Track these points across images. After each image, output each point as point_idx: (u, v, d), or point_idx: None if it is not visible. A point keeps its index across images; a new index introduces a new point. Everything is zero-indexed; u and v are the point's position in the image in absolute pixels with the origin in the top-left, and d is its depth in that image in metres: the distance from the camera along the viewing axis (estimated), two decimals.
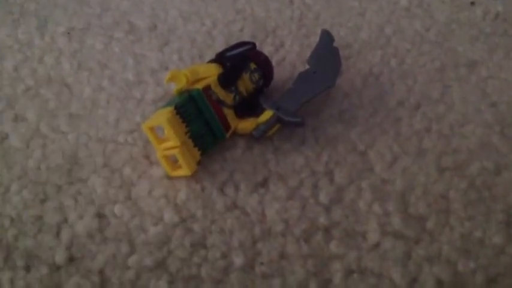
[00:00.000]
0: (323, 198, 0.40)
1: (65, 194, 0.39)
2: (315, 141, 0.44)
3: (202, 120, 0.41)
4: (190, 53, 0.52)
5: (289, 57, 0.52)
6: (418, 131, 0.45)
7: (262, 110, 0.43)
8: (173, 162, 0.40)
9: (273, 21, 0.57)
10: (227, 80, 0.43)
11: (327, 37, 0.48)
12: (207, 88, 0.41)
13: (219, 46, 0.52)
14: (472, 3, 0.59)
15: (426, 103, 0.47)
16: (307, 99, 0.43)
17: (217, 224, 0.38)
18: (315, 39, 0.50)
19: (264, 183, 0.41)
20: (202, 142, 0.40)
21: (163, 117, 0.38)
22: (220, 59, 0.45)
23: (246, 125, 0.43)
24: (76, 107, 0.46)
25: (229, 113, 0.42)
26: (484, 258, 0.36)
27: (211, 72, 0.43)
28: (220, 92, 0.42)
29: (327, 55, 0.47)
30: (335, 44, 0.47)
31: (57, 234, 0.37)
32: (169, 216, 0.38)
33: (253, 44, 0.47)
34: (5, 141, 0.43)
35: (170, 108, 0.39)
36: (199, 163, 0.40)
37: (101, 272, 0.35)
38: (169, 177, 0.41)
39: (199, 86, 0.41)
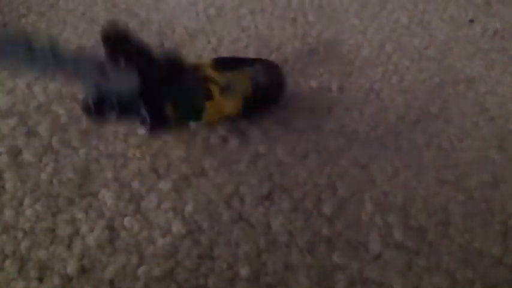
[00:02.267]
0: (326, 210, 0.41)
1: (77, 207, 0.41)
2: (318, 155, 0.45)
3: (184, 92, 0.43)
4: None
5: (292, 73, 0.54)
6: (418, 145, 0.46)
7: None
8: None
9: (276, 38, 0.59)
10: (221, 61, 0.45)
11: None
12: (199, 66, 0.44)
13: None
14: (471, 21, 0.61)
15: (426, 118, 0.48)
16: None
17: (223, 236, 0.39)
18: (318, 57, 0.52)
19: (269, 196, 0.42)
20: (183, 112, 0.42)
21: None
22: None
23: (234, 104, 0.45)
24: (87, 123, 0.47)
25: (215, 89, 0.44)
26: (482, 268, 0.37)
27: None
28: (209, 71, 0.44)
29: None
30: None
31: (69, 246, 0.38)
32: (177, 228, 0.40)
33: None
34: (19, 156, 0.44)
35: None
36: None
37: (111, 282, 0.36)
38: (177, 190, 0.42)
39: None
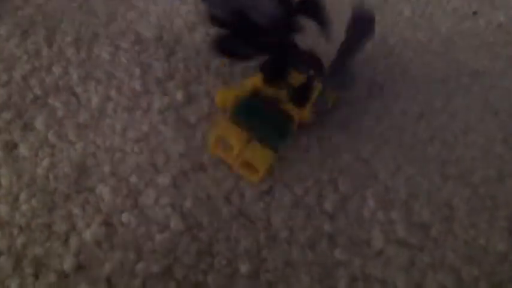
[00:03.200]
0: (328, 206, 0.40)
1: (73, 202, 0.40)
2: (320, 150, 0.44)
3: (262, 122, 0.41)
4: (195, 62, 0.53)
5: None
6: (421, 139, 0.45)
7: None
8: (248, 167, 0.41)
9: None
10: (271, 71, 0.43)
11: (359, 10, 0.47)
12: (256, 90, 0.43)
13: None
14: (475, 13, 0.60)
15: (429, 112, 0.48)
16: (352, 60, 0.43)
17: (223, 232, 0.39)
18: (322, 48, 0.50)
19: (269, 191, 0.41)
20: (270, 141, 0.41)
21: (218, 128, 0.40)
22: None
23: (303, 113, 0.43)
24: (84, 117, 0.46)
25: (288, 107, 0.43)
26: (487, 265, 0.37)
27: (256, 81, 0.44)
28: (269, 92, 0.43)
29: (361, 25, 0.45)
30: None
31: (66, 242, 0.38)
32: (175, 224, 0.39)
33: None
34: (14, 151, 0.43)
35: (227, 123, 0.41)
36: (275, 161, 0.41)
37: (108, 279, 0.36)
38: (176, 186, 0.41)
39: (247, 90, 0.43)
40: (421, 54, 0.54)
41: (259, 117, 0.42)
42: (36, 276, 0.36)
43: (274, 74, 0.43)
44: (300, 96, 0.44)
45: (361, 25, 0.45)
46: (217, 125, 0.41)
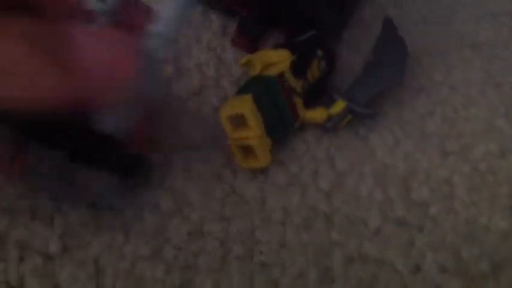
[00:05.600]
0: (323, 184, 0.39)
1: None
2: (315, 127, 0.42)
3: (275, 109, 0.39)
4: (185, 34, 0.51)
5: None
6: (420, 114, 0.44)
7: (332, 101, 0.42)
8: (246, 152, 0.39)
9: None
10: (300, 68, 0.42)
11: (389, 25, 0.46)
12: (281, 75, 0.40)
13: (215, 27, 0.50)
14: None
15: (429, 85, 0.46)
16: (376, 93, 0.42)
17: (215, 212, 0.37)
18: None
19: (264, 170, 0.39)
20: (273, 132, 0.39)
21: (245, 106, 0.37)
22: (290, 44, 0.43)
23: (315, 114, 0.42)
24: None
25: (298, 102, 0.41)
26: (489, 244, 0.36)
27: (282, 58, 0.42)
28: (291, 79, 0.41)
29: (392, 45, 0.45)
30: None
31: (51, 224, 0.36)
32: (165, 204, 0.37)
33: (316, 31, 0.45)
34: None
35: (248, 97, 0.37)
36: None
37: (96, 262, 0.34)
38: (167, 164, 0.40)
39: (273, 72, 0.40)
40: (421, 25, 0.52)
41: (276, 104, 0.39)
42: (21, 259, 0.34)
43: (301, 71, 0.42)
44: (311, 95, 0.43)
45: (391, 43, 0.45)
46: (241, 102, 0.38)
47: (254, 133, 0.37)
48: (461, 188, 0.38)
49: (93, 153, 0.34)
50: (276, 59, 0.42)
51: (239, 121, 0.38)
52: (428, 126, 0.43)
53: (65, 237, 0.35)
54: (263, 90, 0.39)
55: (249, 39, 0.47)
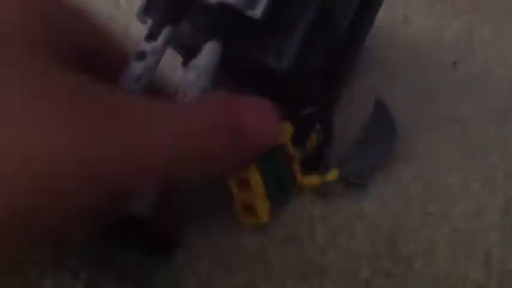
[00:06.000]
0: (319, 240, 0.43)
1: None
2: (312, 191, 0.47)
3: (276, 176, 0.43)
4: None
5: None
6: (405, 180, 0.48)
7: (327, 170, 0.47)
8: (249, 211, 0.42)
9: None
10: (300, 139, 0.46)
11: (381, 106, 0.52)
12: (284, 145, 0.44)
13: None
14: (454, 63, 0.64)
15: (413, 155, 0.51)
16: (367, 166, 0.48)
17: (222, 265, 0.41)
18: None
19: (265, 227, 0.44)
20: (273, 197, 0.42)
21: (251, 173, 0.41)
22: (291, 118, 0.46)
23: (312, 181, 0.46)
24: None
25: (297, 169, 0.45)
26: None
27: (283, 130, 0.45)
28: (291, 149, 0.45)
29: (383, 123, 0.51)
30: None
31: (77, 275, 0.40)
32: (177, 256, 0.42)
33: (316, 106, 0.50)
34: None
35: (253, 165, 0.41)
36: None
37: None
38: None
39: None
40: (407, 101, 0.57)
41: (278, 171, 0.44)
42: None
43: (301, 143, 0.46)
44: (308, 163, 0.47)
45: (382, 122, 0.51)
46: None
47: (256, 195, 0.42)
48: (441, 245, 0.43)
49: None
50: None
51: (244, 185, 0.43)
52: (412, 190, 0.48)
53: None
54: (268, 160, 0.43)
55: None
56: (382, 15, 0.55)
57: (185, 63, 0.43)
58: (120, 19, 0.57)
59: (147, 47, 0.36)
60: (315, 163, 0.48)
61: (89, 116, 0.23)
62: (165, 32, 0.37)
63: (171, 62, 0.44)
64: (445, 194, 0.47)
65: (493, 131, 0.54)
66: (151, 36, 0.37)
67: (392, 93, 0.59)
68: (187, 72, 0.37)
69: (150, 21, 0.38)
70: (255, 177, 0.41)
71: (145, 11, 0.39)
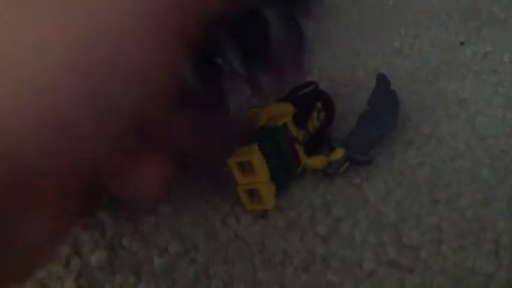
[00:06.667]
0: (321, 229, 0.41)
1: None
2: (313, 175, 0.46)
3: (279, 156, 0.43)
4: None
5: None
6: (411, 165, 0.47)
7: (332, 148, 0.46)
8: (252, 195, 0.42)
9: None
10: (302, 119, 0.45)
11: (383, 80, 0.51)
12: (285, 125, 0.44)
13: None
14: (462, 43, 0.62)
15: (418, 139, 0.49)
16: (371, 140, 0.47)
17: (219, 255, 0.40)
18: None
19: (264, 215, 0.42)
20: (277, 178, 0.42)
21: (252, 153, 0.40)
22: (291, 98, 0.47)
23: (316, 161, 0.45)
24: None
25: (300, 150, 0.45)
26: (475, 286, 0.38)
27: (284, 111, 0.45)
28: (293, 130, 0.44)
29: (385, 97, 0.50)
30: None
31: (67, 265, 0.39)
32: (173, 247, 0.40)
33: (316, 84, 0.49)
34: None
35: (255, 146, 0.41)
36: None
37: None
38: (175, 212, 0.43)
39: (277, 123, 0.44)
40: (410, 83, 0.56)
41: (280, 152, 0.43)
42: None
43: (302, 122, 0.46)
44: (311, 144, 0.46)
45: (384, 95, 0.50)
46: (248, 150, 0.41)
47: (260, 178, 0.41)
48: (449, 234, 0.41)
49: None
50: (279, 112, 0.45)
51: (246, 168, 0.41)
52: (418, 176, 0.46)
53: (80, 278, 0.38)
54: (268, 139, 0.42)
55: None
56: None
57: None
58: None
59: None
60: (317, 143, 0.47)
61: None
62: None
63: None
64: (452, 181, 0.45)
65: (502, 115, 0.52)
66: None
67: (394, 74, 0.57)
68: None
69: None
70: (257, 158, 0.40)
71: None
